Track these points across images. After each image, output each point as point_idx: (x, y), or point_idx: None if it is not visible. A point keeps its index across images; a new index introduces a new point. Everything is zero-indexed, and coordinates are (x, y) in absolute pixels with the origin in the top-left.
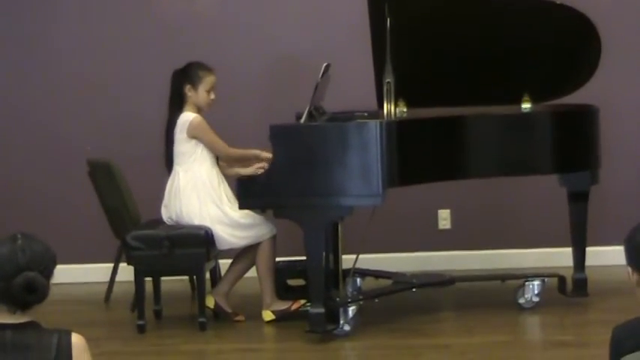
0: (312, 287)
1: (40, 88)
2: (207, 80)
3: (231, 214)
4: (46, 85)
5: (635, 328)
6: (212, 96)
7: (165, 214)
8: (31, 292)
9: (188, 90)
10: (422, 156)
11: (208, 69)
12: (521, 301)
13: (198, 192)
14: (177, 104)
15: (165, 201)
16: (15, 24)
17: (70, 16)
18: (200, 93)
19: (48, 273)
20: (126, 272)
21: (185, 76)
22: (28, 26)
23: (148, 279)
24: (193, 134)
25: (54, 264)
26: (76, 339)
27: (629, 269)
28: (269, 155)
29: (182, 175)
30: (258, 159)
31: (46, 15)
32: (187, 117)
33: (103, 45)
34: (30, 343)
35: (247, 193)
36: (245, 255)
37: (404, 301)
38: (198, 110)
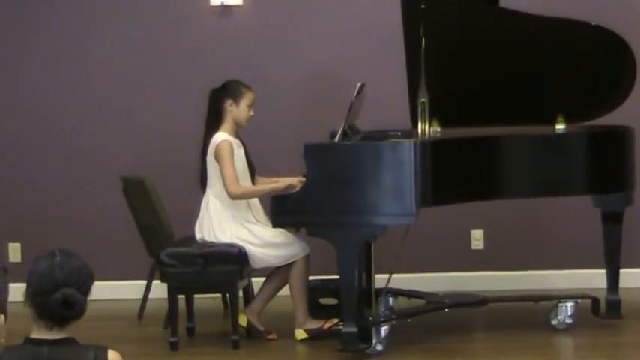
0: (345, 306)
1: (73, 106)
2: (249, 95)
3: (262, 234)
4: (79, 103)
5: None
6: (251, 112)
7: (199, 235)
8: (68, 308)
9: (229, 105)
10: (455, 176)
11: (248, 86)
12: (554, 322)
13: (227, 215)
14: (214, 122)
15: (199, 223)
16: (49, 46)
17: (104, 35)
18: (242, 108)
19: (85, 289)
20: (159, 289)
21: (226, 92)
22: (61, 46)
23: (181, 296)
24: (217, 157)
25: (92, 280)
26: (113, 355)
27: None
28: (287, 183)
29: (212, 198)
30: (272, 192)
31: (79, 35)
32: (217, 139)
33: (137, 62)
34: (67, 358)
35: (280, 211)
36: (278, 273)
37: (436, 321)
38: (237, 127)
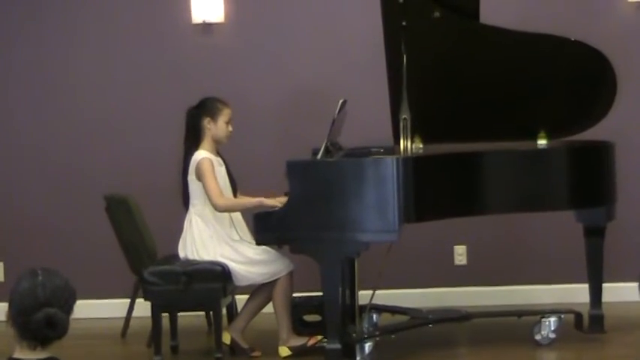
0: (329, 323)
1: (56, 125)
2: (226, 112)
3: (246, 252)
4: (61, 122)
5: None
6: (230, 128)
7: (182, 253)
8: (51, 327)
9: (207, 123)
10: (438, 192)
11: (225, 102)
12: (538, 337)
13: (210, 233)
14: (193, 141)
15: (182, 241)
16: (32, 64)
17: (86, 53)
18: (220, 125)
19: (68, 308)
20: (143, 307)
21: (203, 110)
22: (45, 65)
23: (165, 314)
24: (198, 175)
25: (74, 299)
26: None
27: None
28: (273, 203)
29: (194, 216)
30: (261, 207)
31: (62, 54)
32: (196, 157)
33: (119, 80)
34: None
35: (264, 228)
36: (262, 291)
37: (420, 337)
38: (217, 144)
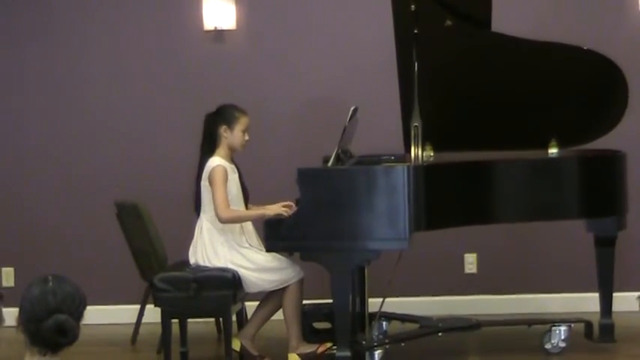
0: (339, 330)
1: (67, 131)
2: (243, 121)
3: (256, 258)
4: (73, 129)
5: None
6: (247, 137)
7: (192, 260)
8: (62, 334)
9: (224, 131)
10: (449, 200)
11: (243, 110)
12: (548, 346)
13: (220, 240)
14: (209, 147)
15: (192, 247)
16: (43, 70)
17: (98, 60)
18: (236, 133)
19: (78, 315)
20: (152, 314)
21: (220, 118)
22: (55, 71)
23: (175, 321)
24: (210, 182)
25: (84, 306)
26: None
27: None
28: (275, 212)
29: (205, 222)
30: (263, 218)
31: (73, 60)
32: (211, 163)
33: (132, 86)
34: None
35: (274, 235)
36: (272, 298)
37: (430, 345)
38: (232, 152)
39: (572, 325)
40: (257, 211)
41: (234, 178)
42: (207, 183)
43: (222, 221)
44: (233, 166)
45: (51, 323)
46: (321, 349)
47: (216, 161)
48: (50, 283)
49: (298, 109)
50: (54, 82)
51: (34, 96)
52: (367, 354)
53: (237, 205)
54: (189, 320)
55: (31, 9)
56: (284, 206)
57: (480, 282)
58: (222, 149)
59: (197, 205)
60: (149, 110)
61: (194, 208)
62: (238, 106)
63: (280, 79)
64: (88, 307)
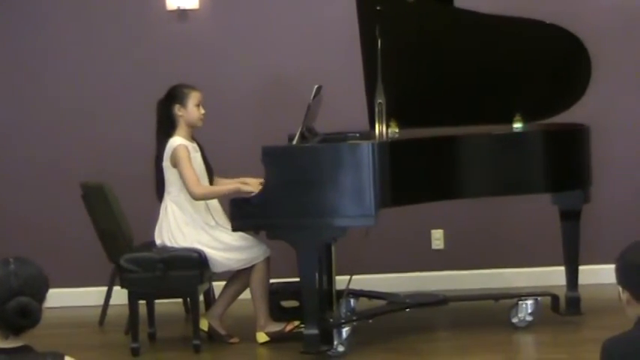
0: (306, 308)
1: (31, 113)
2: (194, 95)
3: (222, 238)
4: (36, 110)
5: (625, 341)
6: (202, 110)
7: (159, 241)
8: (24, 316)
9: (178, 110)
10: (414, 176)
11: (192, 86)
12: (515, 320)
13: (186, 220)
14: (165, 130)
15: (158, 228)
16: (3, 51)
17: (59, 41)
18: (190, 109)
19: (41, 297)
20: (120, 295)
21: (172, 99)
22: (17, 52)
23: (142, 302)
24: (173, 162)
25: (47, 288)
26: None
27: (620, 288)
28: (249, 189)
29: (170, 203)
30: (238, 193)
31: (35, 41)
32: (172, 144)
33: (94, 68)
34: None
35: (240, 214)
36: (239, 277)
37: (398, 322)
38: (191, 129)
39: (539, 298)
40: (229, 185)
41: (196, 156)
42: (168, 164)
43: (197, 198)
44: (195, 144)
45: (13, 305)
46: (289, 328)
47: (177, 141)
48: (12, 265)
49: (262, 88)
50: (15, 64)
51: None
52: (335, 331)
53: (203, 183)
54: (157, 301)
55: None
56: (251, 185)
57: (447, 258)
58: (181, 129)
59: (158, 190)
60: (113, 90)
61: (156, 191)
62: (187, 83)
63: (244, 57)
64: (56, 290)
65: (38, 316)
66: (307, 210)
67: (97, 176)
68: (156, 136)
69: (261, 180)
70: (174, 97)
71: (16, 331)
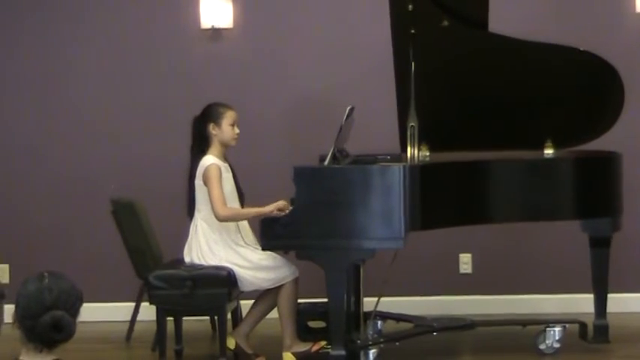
0: (333, 329)
1: (63, 129)
2: (229, 115)
3: (252, 257)
4: (69, 126)
5: None
6: (237, 130)
7: (188, 258)
8: (57, 331)
9: (212, 128)
10: (444, 200)
11: (227, 105)
12: (542, 346)
13: (216, 238)
14: (200, 148)
15: (187, 246)
16: (37, 69)
17: (93, 58)
18: (224, 128)
19: (74, 312)
20: (148, 311)
21: (207, 117)
22: (50, 70)
23: (170, 318)
24: (205, 180)
25: (80, 302)
26: None
27: None
28: (270, 209)
29: (200, 221)
30: (261, 216)
31: (68, 58)
32: (205, 162)
33: (127, 85)
34: None
35: (270, 234)
36: (267, 296)
37: (424, 345)
38: (225, 149)
39: (567, 325)
40: (254, 208)
41: (227, 176)
42: (201, 182)
43: (220, 219)
44: (226, 164)
45: (47, 319)
46: (315, 348)
47: (210, 160)
48: (46, 280)
49: (295, 108)
50: (49, 79)
51: (28, 93)
52: (362, 353)
53: (232, 204)
54: (184, 318)
55: (23, 5)
56: (279, 209)
57: (475, 282)
58: (214, 148)
59: (190, 208)
60: (146, 108)
61: (187, 209)
62: (222, 102)
63: (277, 77)
64: (84, 305)
65: (72, 331)
66: (336, 231)
67: (128, 192)
68: (190, 153)
69: (279, 204)
70: (209, 115)
71: (50, 345)
